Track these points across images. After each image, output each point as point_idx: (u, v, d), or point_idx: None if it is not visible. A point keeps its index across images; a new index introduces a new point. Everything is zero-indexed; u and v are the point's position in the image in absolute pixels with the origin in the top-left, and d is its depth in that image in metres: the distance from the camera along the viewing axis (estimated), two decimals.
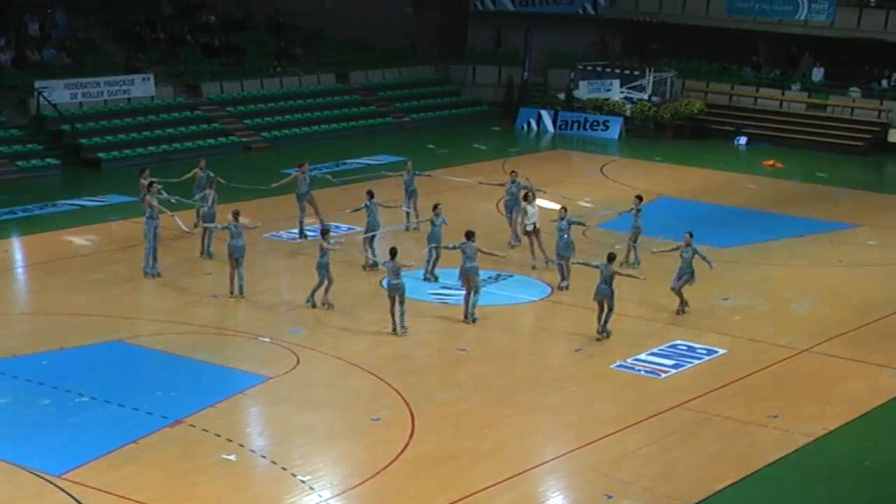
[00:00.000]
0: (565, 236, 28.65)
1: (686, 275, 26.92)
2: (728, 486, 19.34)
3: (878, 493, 19.80)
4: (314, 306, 26.91)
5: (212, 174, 32.70)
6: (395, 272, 25.28)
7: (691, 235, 27.20)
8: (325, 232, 27.20)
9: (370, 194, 30.37)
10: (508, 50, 57.38)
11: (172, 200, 30.20)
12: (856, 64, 52.90)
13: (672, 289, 27.06)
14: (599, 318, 25.73)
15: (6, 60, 44.44)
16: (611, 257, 25.81)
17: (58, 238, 32.79)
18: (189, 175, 32.91)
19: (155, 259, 29.06)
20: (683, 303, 27.18)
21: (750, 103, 53.40)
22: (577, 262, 27.70)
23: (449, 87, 57.18)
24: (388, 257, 25.58)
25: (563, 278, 28.77)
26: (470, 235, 26.75)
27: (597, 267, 25.79)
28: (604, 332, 25.71)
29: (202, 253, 30.60)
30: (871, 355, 25.49)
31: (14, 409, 21.27)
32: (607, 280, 25.40)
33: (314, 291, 26.94)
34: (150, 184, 30.03)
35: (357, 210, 30.40)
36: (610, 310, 25.58)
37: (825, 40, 52.93)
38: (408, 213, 33.32)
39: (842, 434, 21.63)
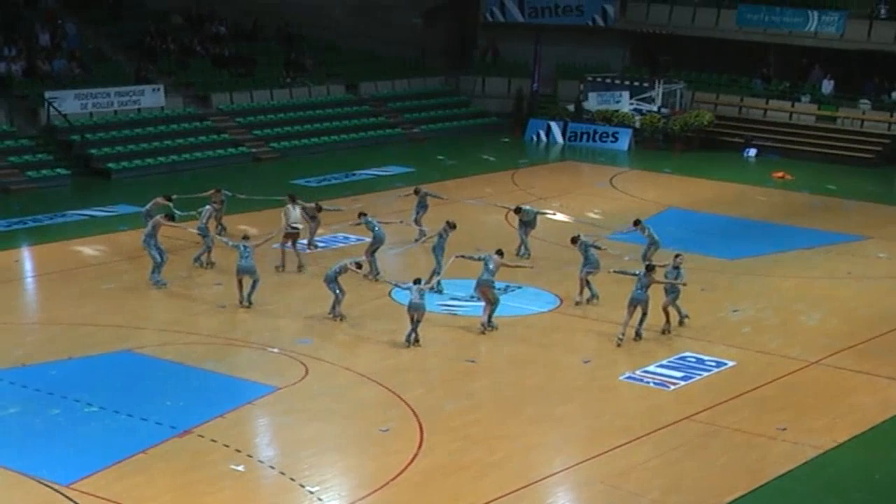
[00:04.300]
0: (588, 253, 28.64)
1: (672, 293, 26.87)
2: (737, 499, 19.29)
3: None
4: (341, 319, 26.94)
5: (226, 194, 32.97)
6: (420, 294, 25.35)
7: (678, 258, 27.15)
8: (359, 265, 27.26)
9: (362, 214, 30.60)
10: (518, 61, 57.38)
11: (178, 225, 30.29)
12: (866, 76, 52.91)
13: (662, 308, 27.00)
14: (626, 324, 25.97)
15: (17, 70, 44.54)
16: (650, 267, 26.24)
17: (67, 248, 32.83)
18: (206, 194, 32.87)
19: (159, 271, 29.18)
20: (668, 322, 27.04)
21: (760, 115, 53.37)
22: (615, 272, 27.66)
23: (458, 99, 57.20)
24: (410, 283, 25.72)
25: (590, 294, 28.73)
26: (499, 252, 27.09)
27: (635, 275, 26.18)
28: (637, 336, 26.18)
29: (197, 262, 30.62)
30: (881, 368, 25.44)
31: (23, 418, 21.28)
32: (645, 287, 25.78)
33: (334, 306, 26.98)
34: (170, 216, 29.89)
35: (357, 224, 30.83)
36: (645, 315, 26.04)
37: (835, 52, 52.98)
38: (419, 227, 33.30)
39: (851, 447, 21.59)
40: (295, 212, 31.08)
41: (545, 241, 33.36)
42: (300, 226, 31.01)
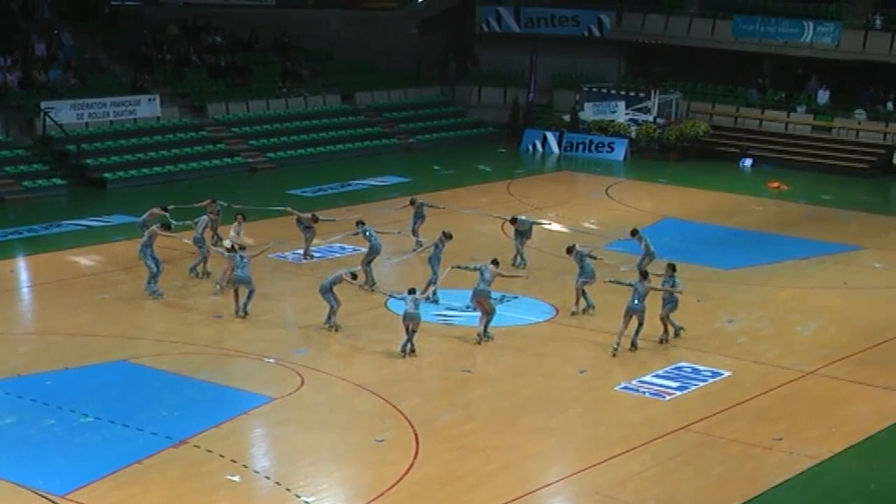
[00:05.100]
0: (584, 263, 28.62)
1: (670, 304, 26.85)
2: None
3: None
4: (337, 329, 26.91)
5: (222, 205, 32.83)
6: (415, 304, 25.35)
7: (673, 268, 27.04)
8: (354, 276, 27.20)
9: (360, 223, 30.60)
10: (514, 71, 57.45)
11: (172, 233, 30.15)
12: (861, 86, 52.98)
13: (661, 319, 26.97)
14: (621, 334, 25.99)
15: (13, 81, 44.54)
16: (644, 275, 26.30)
17: (63, 258, 32.81)
18: (202, 204, 32.79)
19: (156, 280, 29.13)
20: (667, 332, 27.04)
21: (755, 125, 53.42)
22: (610, 281, 27.63)
23: (454, 109, 57.26)
24: (405, 292, 25.74)
25: (586, 304, 28.71)
26: (495, 262, 27.10)
27: (630, 285, 26.19)
28: (633, 347, 26.14)
29: (193, 272, 30.59)
30: (877, 378, 25.44)
31: (19, 429, 21.25)
32: (642, 297, 25.77)
33: (330, 316, 26.96)
34: (166, 226, 29.77)
35: (354, 234, 30.82)
36: (641, 325, 26.02)
37: (831, 63, 53.02)
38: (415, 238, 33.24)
39: (847, 457, 21.57)
40: (238, 230, 30.75)
41: (541, 251, 33.37)
42: (238, 246, 29.89)
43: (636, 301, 25.86)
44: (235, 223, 31.20)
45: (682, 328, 27.24)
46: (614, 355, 25.91)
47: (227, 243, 29.67)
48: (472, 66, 59.28)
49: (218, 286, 29.31)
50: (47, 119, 43.01)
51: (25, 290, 31.21)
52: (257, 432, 22.12)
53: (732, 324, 28.86)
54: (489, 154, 51.40)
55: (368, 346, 26.22)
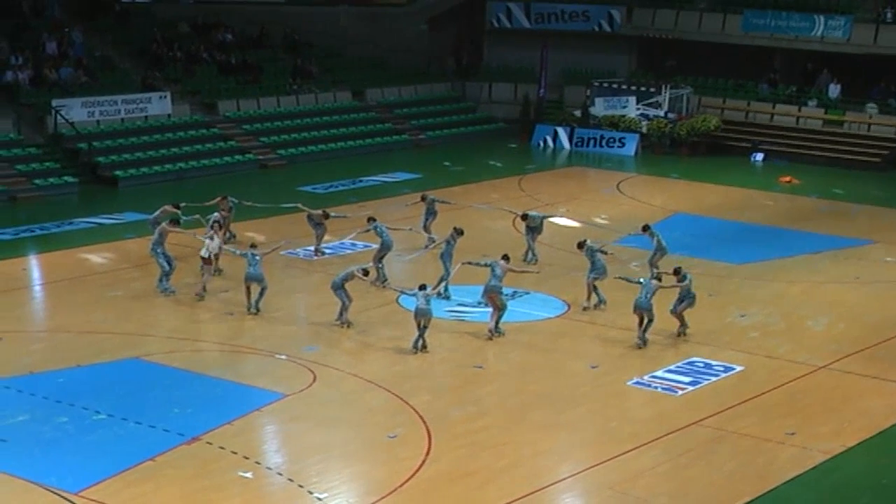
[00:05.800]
0: (595, 258, 28.63)
1: (687, 299, 26.83)
2: None
3: None
4: (348, 325, 26.91)
5: (233, 202, 32.75)
6: (426, 300, 25.38)
7: (678, 271, 27.01)
8: (366, 272, 27.18)
9: (372, 219, 30.59)
10: (524, 67, 57.40)
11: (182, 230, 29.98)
12: (873, 80, 52.87)
13: (672, 312, 26.89)
14: (640, 326, 26.21)
15: (24, 79, 44.61)
16: (659, 278, 26.54)
17: (74, 256, 32.85)
18: (213, 202, 32.73)
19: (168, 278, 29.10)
20: (683, 325, 27.03)
21: (766, 120, 53.36)
22: (619, 278, 27.71)
23: (465, 105, 57.24)
24: (416, 288, 25.74)
25: (597, 299, 28.70)
26: (506, 258, 27.11)
27: (639, 282, 26.34)
28: (642, 341, 26.16)
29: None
30: (889, 372, 25.41)
31: (31, 426, 21.30)
32: (650, 293, 25.87)
33: (341, 313, 26.97)
34: (175, 222, 29.69)
35: (366, 231, 30.73)
36: (650, 321, 26.07)
37: (842, 57, 52.93)
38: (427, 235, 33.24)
39: (859, 452, 21.56)
40: (213, 242, 29.42)
41: (552, 246, 33.37)
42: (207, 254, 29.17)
43: (643, 297, 25.86)
44: (212, 231, 29.81)
45: (687, 327, 27.18)
46: (640, 347, 25.95)
47: (202, 252, 29.00)
48: (473, 64, 59.08)
49: (198, 296, 28.88)
50: (58, 117, 43.07)
51: (37, 288, 31.27)
52: (269, 429, 22.16)
53: (744, 318, 28.84)
54: (500, 150, 51.40)
55: (380, 342, 26.25)
